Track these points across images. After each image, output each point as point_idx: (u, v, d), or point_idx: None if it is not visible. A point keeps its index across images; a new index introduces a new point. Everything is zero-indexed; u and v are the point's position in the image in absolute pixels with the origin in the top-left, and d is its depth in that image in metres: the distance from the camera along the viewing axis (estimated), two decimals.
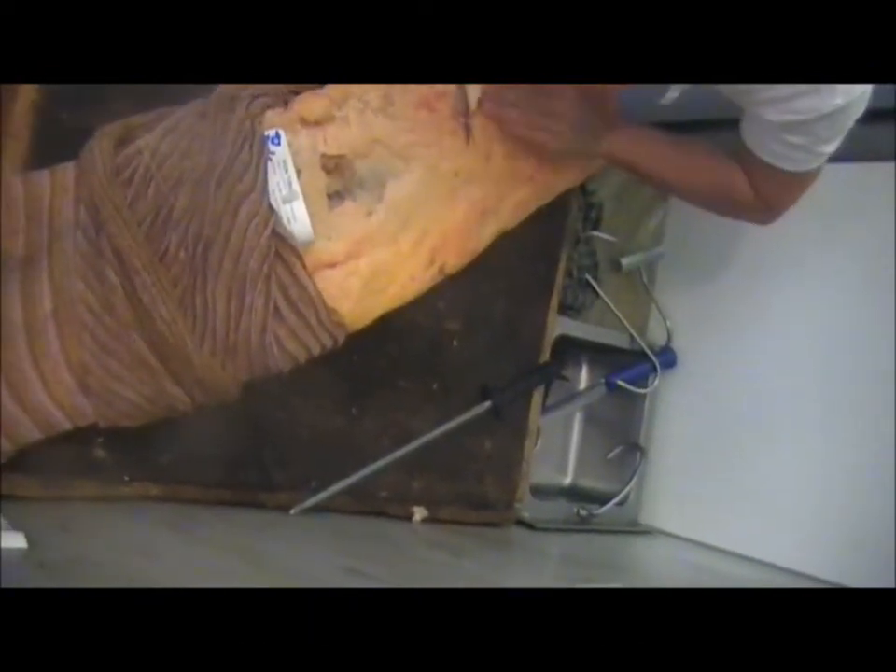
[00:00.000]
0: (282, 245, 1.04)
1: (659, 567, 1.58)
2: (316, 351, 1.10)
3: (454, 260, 1.20)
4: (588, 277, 1.61)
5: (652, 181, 1.40)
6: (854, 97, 1.07)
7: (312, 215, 1.06)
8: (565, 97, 1.23)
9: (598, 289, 1.62)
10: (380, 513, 1.29)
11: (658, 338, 1.72)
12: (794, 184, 1.26)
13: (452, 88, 1.15)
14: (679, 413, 1.72)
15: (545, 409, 1.54)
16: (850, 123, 1.12)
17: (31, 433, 0.97)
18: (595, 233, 1.62)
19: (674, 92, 1.24)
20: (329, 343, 1.11)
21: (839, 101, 1.07)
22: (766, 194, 1.28)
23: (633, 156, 1.30)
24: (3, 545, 0.81)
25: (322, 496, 1.20)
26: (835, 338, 1.53)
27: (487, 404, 1.37)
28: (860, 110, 1.10)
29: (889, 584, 1.30)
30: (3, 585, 0.71)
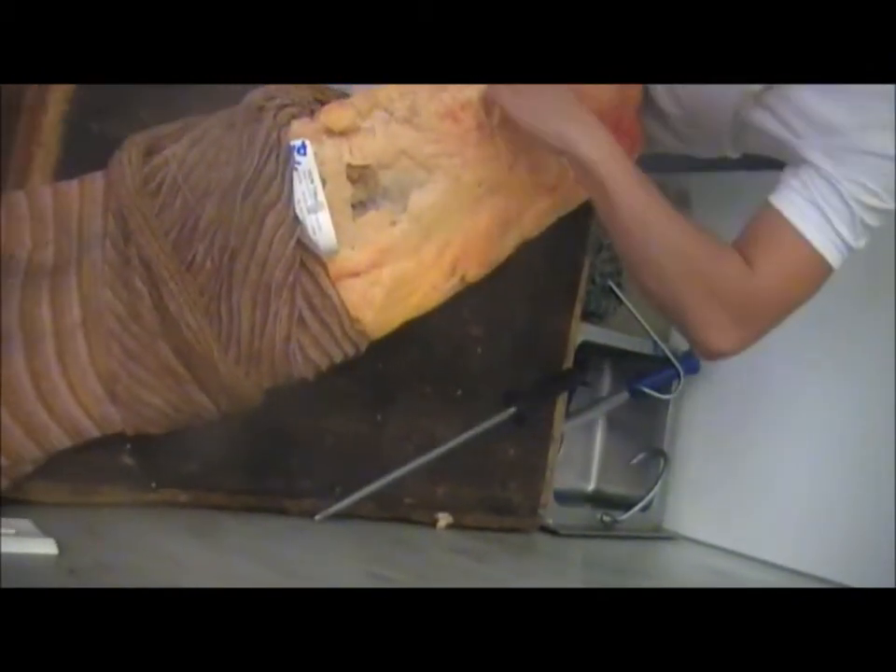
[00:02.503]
0: (306, 255, 1.05)
1: (683, 572, 1.58)
2: (339, 359, 1.11)
3: (475, 270, 1.21)
4: (611, 283, 1.61)
5: (626, 228, 1.10)
6: None
7: (336, 224, 1.06)
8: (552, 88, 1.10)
9: (621, 295, 1.62)
10: (404, 519, 1.29)
11: (681, 344, 1.71)
12: (805, 270, 1.08)
13: (475, 98, 1.15)
14: (702, 418, 1.72)
15: (568, 415, 1.55)
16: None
17: (60, 441, 0.98)
18: None
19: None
20: (351, 352, 1.12)
21: None
22: (768, 270, 1.08)
23: (613, 182, 1.07)
24: (34, 551, 0.82)
25: (346, 502, 1.21)
26: (844, 341, 1.53)
27: (511, 410, 1.37)
28: None
29: (889, 584, 1.29)
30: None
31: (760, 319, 1.11)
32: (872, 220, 1.08)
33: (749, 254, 1.09)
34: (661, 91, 1.28)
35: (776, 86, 1.15)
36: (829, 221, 1.06)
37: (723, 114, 1.23)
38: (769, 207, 1.11)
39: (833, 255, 1.08)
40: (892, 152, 1.05)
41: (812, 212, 1.07)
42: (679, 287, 1.09)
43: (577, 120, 1.10)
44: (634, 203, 1.08)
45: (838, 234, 1.07)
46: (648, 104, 1.29)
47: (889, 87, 1.05)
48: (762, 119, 1.19)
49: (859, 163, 1.06)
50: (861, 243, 1.09)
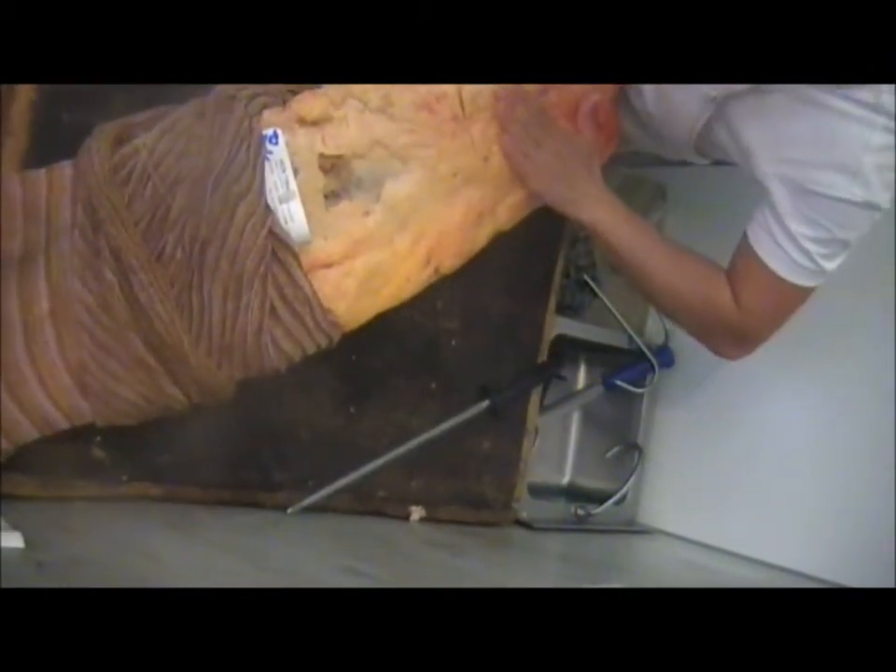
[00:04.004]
0: (278, 245, 1.04)
1: (657, 566, 1.58)
2: (311, 350, 1.10)
3: (449, 261, 1.20)
4: (586, 277, 1.61)
5: (631, 272, 1.26)
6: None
7: (309, 214, 1.06)
8: (556, 137, 1.21)
9: (596, 289, 1.62)
10: (378, 513, 1.29)
11: (656, 337, 1.72)
12: (785, 298, 1.17)
13: (451, 89, 1.14)
14: (676, 412, 1.73)
15: (543, 408, 1.54)
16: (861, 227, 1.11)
17: (29, 433, 0.97)
18: None
19: None
20: (324, 343, 1.11)
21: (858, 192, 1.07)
22: (751, 306, 1.19)
23: (617, 238, 1.22)
24: (1, 545, 0.81)
25: (319, 495, 1.21)
26: (835, 335, 1.53)
27: (486, 403, 1.37)
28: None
29: (889, 584, 1.30)
30: (2, 585, 0.71)
31: (753, 339, 1.24)
32: (833, 249, 1.12)
33: (733, 284, 1.20)
34: (633, 91, 1.28)
35: (727, 106, 1.18)
36: (791, 257, 1.13)
37: (686, 122, 1.25)
38: (745, 238, 1.18)
39: (805, 280, 1.15)
40: (842, 195, 1.08)
41: (776, 248, 1.13)
42: (684, 319, 1.30)
43: (581, 188, 1.23)
44: (635, 256, 1.23)
45: (804, 266, 1.13)
46: (624, 101, 1.30)
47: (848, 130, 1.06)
48: (719, 133, 1.22)
49: (810, 201, 1.10)
50: (833, 264, 1.14)
